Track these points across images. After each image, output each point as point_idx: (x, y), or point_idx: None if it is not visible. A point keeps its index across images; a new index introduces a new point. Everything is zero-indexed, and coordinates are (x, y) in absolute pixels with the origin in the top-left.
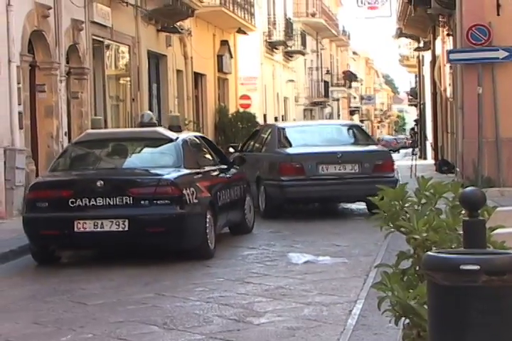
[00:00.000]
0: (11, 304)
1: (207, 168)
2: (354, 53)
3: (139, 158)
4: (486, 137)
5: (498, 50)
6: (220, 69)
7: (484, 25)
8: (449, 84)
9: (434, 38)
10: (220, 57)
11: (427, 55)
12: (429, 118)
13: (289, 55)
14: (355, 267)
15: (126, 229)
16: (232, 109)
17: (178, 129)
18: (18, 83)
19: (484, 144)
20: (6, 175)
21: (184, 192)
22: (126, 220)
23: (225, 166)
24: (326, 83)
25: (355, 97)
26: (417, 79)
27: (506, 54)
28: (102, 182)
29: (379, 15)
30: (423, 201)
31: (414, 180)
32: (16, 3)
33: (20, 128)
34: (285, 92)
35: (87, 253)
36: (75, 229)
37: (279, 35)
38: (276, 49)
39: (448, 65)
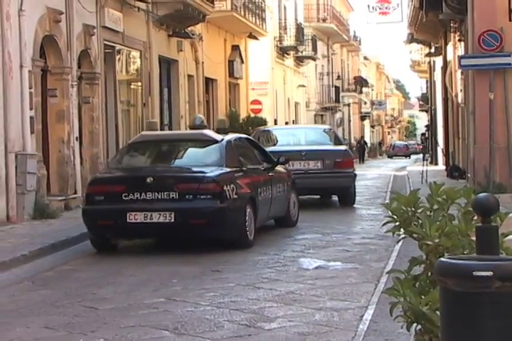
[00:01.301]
0: (22, 308)
1: (249, 167)
2: (365, 58)
3: (186, 158)
4: (497, 143)
5: (509, 56)
6: (231, 74)
7: (496, 31)
8: (461, 90)
9: (446, 44)
10: (231, 62)
11: (439, 61)
12: (440, 123)
13: (299, 60)
14: (367, 273)
15: (173, 220)
16: (243, 114)
17: (224, 131)
18: (30, 88)
19: (495, 150)
20: (17, 179)
21: (224, 188)
22: (173, 213)
23: (269, 165)
24: (336, 88)
25: (365, 103)
26: (428, 84)
27: None
28: (151, 179)
29: (390, 20)
30: (435, 207)
31: (425, 186)
32: (28, 8)
33: (32, 132)
34: (296, 97)
35: (98, 257)
36: (128, 220)
37: (290, 40)
38: (287, 54)
39: (459, 71)
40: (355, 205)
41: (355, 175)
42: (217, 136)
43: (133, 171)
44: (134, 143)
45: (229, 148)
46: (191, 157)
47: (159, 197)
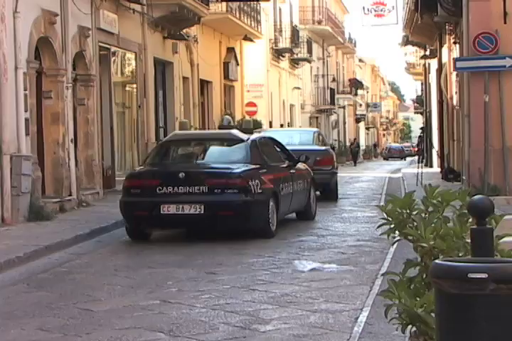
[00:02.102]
0: (17, 310)
1: (272, 164)
2: (360, 61)
3: (215, 155)
4: (492, 145)
5: (504, 58)
6: (226, 76)
7: (491, 33)
8: (456, 92)
9: (441, 46)
10: (226, 65)
11: (434, 63)
12: (435, 126)
13: (295, 62)
14: (362, 275)
15: (202, 212)
16: (238, 116)
17: (249, 131)
18: (25, 90)
19: (490, 152)
20: (12, 181)
21: (250, 183)
22: (202, 205)
23: (291, 163)
24: (331, 90)
25: (361, 105)
26: (423, 87)
27: None
28: (183, 174)
29: (385, 22)
30: (430, 209)
31: (420, 188)
32: (23, 10)
33: (27, 134)
34: (291, 99)
35: (93, 259)
36: (161, 211)
37: (285, 43)
38: (283, 56)
39: (454, 73)
40: (350, 208)
41: (335, 172)
42: (244, 136)
43: (166, 167)
44: (168, 142)
45: (254, 147)
46: (219, 154)
47: (190, 190)
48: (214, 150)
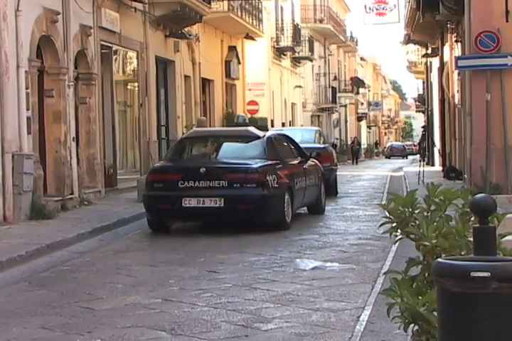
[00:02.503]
0: (19, 309)
1: (287, 160)
2: (362, 59)
3: (233, 151)
4: (494, 144)
5: (506, 57)
6: (228, 74)
7: (493, 32)
8: (457, 91)
9: (443, 45)
10: (227, 63)
11: (435, 62)
12: (436, 124)
13: (296, 60)
14: (363, 273)
15: (222, 205)
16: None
17: (265, 129)
18: (27, 88)
19: (492, 151)
20: (14, 180)
21: (267, 178)
22: (222, 198)
23: (303, 159)
24: (333, 89)
25: (362, 103)
26: (425, 85)
27: None
28: (204, 169)
29: (387, 21)
30: (432, 208)
31: (422, 187)
32: (25, 9)
33: (29, 133)
34: (292, 98)
35: (95, 257)
36: (183, 204)
37: (286, 41)
38: (284, 55)
39: (456, 72)
40: (352, 206)
41: (333, 169)
42: (260, 133)
43: (188, 162)
44: (187, 138)
45: (270, 144)
46: (237, 151)
47: (211, 185)
48: (232, 147)
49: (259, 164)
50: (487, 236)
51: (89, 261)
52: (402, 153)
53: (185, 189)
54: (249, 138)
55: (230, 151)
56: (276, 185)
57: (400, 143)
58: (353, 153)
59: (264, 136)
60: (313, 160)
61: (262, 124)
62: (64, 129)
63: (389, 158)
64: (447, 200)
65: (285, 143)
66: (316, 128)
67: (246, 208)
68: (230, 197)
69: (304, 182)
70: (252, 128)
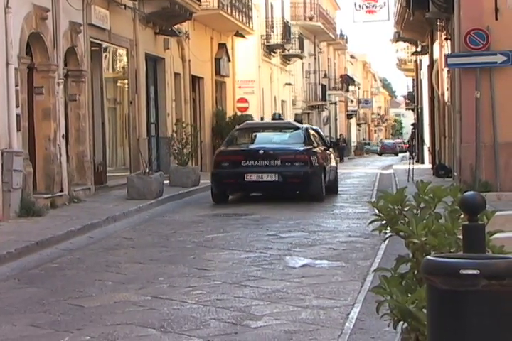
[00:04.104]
0: (8, 306)
1: (317, 147)
2: (351, 57)
3: (281, 138)
4: (483, 141)
5: (496, 55)
6: (218, 72)
7: (482, 30)
8: (447, 89)
9: (432, 42)
10: (217, 60)
11: (425, 59)
12: (426, 122)
13: (286, 58)
14: (353, 271)
15: (277, 179)
16: (229, 112)
17: (300, 122)
18: (16, 85)
19: (482, 148)
20: (3, 177)
21: (311, 158)
22: (277, 174)
23: (326, 147)
24: (323, 86)
25: (352, 101)
26: (415, 83)
27: (504, 58)
28: (262, 151)
29: (377, 19)
30: (422, 205)
31: (412, 184)
32: (15, 6)
33: (18, 130)
34: (282, 96)
35: (84, 255)
36: (245, 179)
37: (276, 39)
38: (274, 52)
39: (446, 69)
40: (341, 204)
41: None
42: (299, 125)
43: (248, 146)
44: (242, 129)
45: (306, 133)
46: (283, 138)
47: (267, 164)
48: (279, 135)
49: (303, 147)
50: (476, 233)
51: (78, 259)
52: (393, 151)
53: (247, 167)
54: (291, 128)
55: (278, 138)
56: (316, 164)
57: (391, 141)
58: (339, 150)
59: (302, 127)
60: (331, 149)
61: (297, 119)
62: (54, 126)
63: (380, 155)
64: (437, 198)
65: (314, 134)
66: (306, 125)
67: (295, 182)
68: (283, 173)
69: (329, 166)
70: (292, 121)
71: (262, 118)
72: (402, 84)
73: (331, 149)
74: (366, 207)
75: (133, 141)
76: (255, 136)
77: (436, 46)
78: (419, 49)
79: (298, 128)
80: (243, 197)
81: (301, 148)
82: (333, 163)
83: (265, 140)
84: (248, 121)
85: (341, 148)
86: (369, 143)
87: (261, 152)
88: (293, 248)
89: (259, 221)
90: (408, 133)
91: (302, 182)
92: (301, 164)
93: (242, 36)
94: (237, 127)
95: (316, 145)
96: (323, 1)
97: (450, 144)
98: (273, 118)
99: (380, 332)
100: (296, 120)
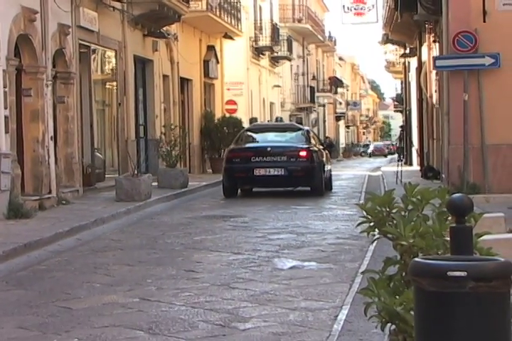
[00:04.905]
0: None
1: (316, 145)
2: (340, 59)
3: (285, 137)
4: (471, 143)
5: (484, 57)
6: (207, 74)
7: (470, 32)
8: (435, 91)
9: (421, 45)
10: (206, 62)
11: (413, 62)
12: (414, 124)
13: (275, 60)
14: (341, 273)
15: (283, 173)
16: (218, 114)
17: (301, 124)
18: (4, 87)
19: (470, 150)
20: None
21: (313, 155)
22: (283, 168)
23: (322, 147)
24: (311, 89)
25: (340, 103)
26: (403, 85)
27: (492, 61)
28: (270, 148)
29: (365, 21)
30: (410, 207)
31: (400, 186)
32: (3, 7)
33: (6, 132)
34: (271, 98)
35: (72, 257)
36: (254, 173)
37: (265, 41)
38: (263, 54)
39: (434, 72)
40: (330, 205)
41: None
42: (300, 126)
43: (256, 144)
44: (250, 129)
45: (307, 133)
46: (288, 137)
47: (274, 159)
48: (284, 135)
49: (306, 145)
50: (464, 235)
51: (67, 261)
52: (382, 152)
53: (256, 162)
54: (294, 129)
55: (283, 137)
56: (317, 160)
57: (380, 143)
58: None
59: (304, 128)
60: (326, 149)
61: (297, 122)
62: (42, 128)
63: (370, 157)
64: (424, 200)
65: (313, 135)
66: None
67: (299, 175)
68: (288, 168)
69: (326, 163)
70: (295, 123)
71: (250, 121)
72: (391, 86)
73: (326, 149)
74: (354, 209)
75: (121, 143)
76: (262, 135)
77: (424, 48)
78: (407, 51)
79: (300, 129)
80: (233, 199)
81: (305, 146)
82: (328, 162)
83: (272, 139)
84: (255, 123)
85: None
86: (357, 145)
87: (269, 149)
88: (281, 250)
89: (248, 223)
90: (396, 135)
91: (305, 175)
92: (305, 160)
93: (231, 38)
94: (246, 127)
95: (315, 144)
96: (312, 3)
97: (438, 146)
98: (276, 121)
99: (368, 334)
100: (297, 122)
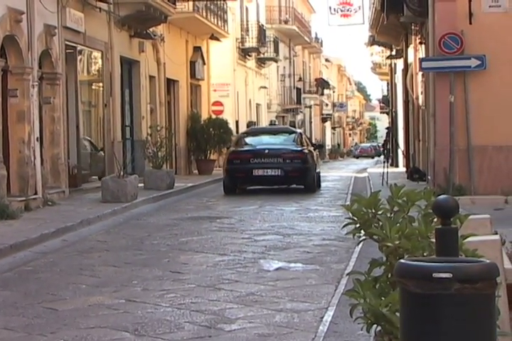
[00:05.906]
0: None
1: (308, 147)
2: (326, 60)
3: (280, 140)
4: (457, 145)
5: (470, 59)
6: (193, 75)
7: (456, 34)
8: (421, 93)
9: (407, 46)
10: (192, 64)
11: (400, 63)
12: (400, 126)
13: (261, 61)
14: (327, 274)
15: (279, 174)
16: (204, 115)
17: (294, 127)
18: None
19: (456, 152)
20: None
21: (307, 156)
22: (280, 169)
23: (313, 148)
24: (298, 90)
25: (327, 104)
26: (389, 87)
27: (478, 62)
28: (267, 151)
29: (352, 22)
30: (396, 209)
31: (386, 188)
32: None
33: None
34: (257, 99)
35: (58, 258)
36: (253, 174)
37: (251, 42)
38: (249, 55)
39: (420, 73)
40: (316, 207)
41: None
42: (295, 129)
43: (254, 147)
44: (247, 132)
45: (301, 136)
46: (282, 139)
47: (271, 161)
48: (279, 137)
49: (300, 148)
50: (449, 237)
51: (52, 262)
52: (369, 154)
53: (255, 163)
54: (288, 132)
55: (278, 140)
56: (311, 161)
57: (367, 145)
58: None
59: (297, 131)
60: (316, 150)
61: (291, 125)
62: (28, 129)
63: (357, 158)
64: (410, 201)
65: (305, 137)
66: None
67: (294, 175)
68: (284, 169)
69: (316, 163)
70: (289, 126)
71: (236, 123)
72: (377, 88)
73: (316, 150)
74: (340, 211)
75: (107, 144)
76: (259, 138)
77: (410, 50)
78: (393, 53)
79: (293, 132)
80: (220, 200)
81: (299, 148)
82: (318, 162)
83: (268, 141)
84: (253, 126)
85: None
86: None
87: (266, 151)
88: (267, 251)
89: (234, 224)
90: (383, 136)
91: (300, 175)
92: (299, 161)
93: (217, 39)
94: (243, 131)
95: (307, 146)
96: (299, 4)
97: (424, 148)
98: (270, 124)
99: (354, 336)
100: (291, 126)
